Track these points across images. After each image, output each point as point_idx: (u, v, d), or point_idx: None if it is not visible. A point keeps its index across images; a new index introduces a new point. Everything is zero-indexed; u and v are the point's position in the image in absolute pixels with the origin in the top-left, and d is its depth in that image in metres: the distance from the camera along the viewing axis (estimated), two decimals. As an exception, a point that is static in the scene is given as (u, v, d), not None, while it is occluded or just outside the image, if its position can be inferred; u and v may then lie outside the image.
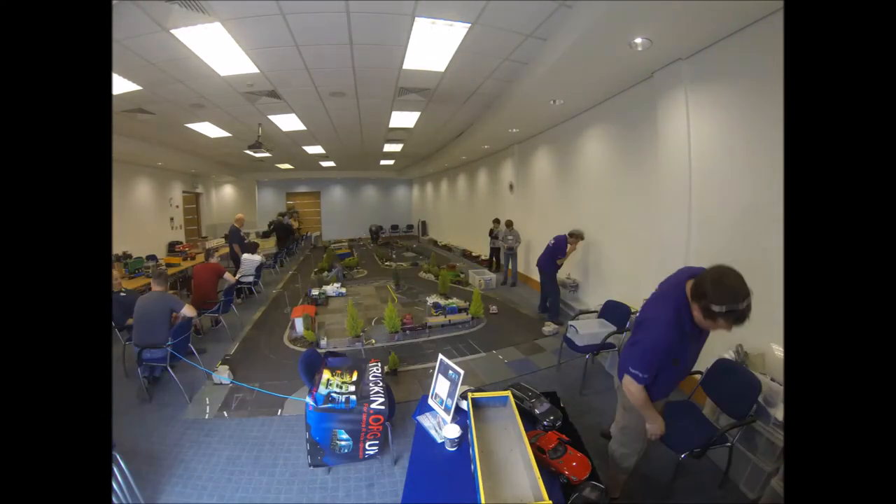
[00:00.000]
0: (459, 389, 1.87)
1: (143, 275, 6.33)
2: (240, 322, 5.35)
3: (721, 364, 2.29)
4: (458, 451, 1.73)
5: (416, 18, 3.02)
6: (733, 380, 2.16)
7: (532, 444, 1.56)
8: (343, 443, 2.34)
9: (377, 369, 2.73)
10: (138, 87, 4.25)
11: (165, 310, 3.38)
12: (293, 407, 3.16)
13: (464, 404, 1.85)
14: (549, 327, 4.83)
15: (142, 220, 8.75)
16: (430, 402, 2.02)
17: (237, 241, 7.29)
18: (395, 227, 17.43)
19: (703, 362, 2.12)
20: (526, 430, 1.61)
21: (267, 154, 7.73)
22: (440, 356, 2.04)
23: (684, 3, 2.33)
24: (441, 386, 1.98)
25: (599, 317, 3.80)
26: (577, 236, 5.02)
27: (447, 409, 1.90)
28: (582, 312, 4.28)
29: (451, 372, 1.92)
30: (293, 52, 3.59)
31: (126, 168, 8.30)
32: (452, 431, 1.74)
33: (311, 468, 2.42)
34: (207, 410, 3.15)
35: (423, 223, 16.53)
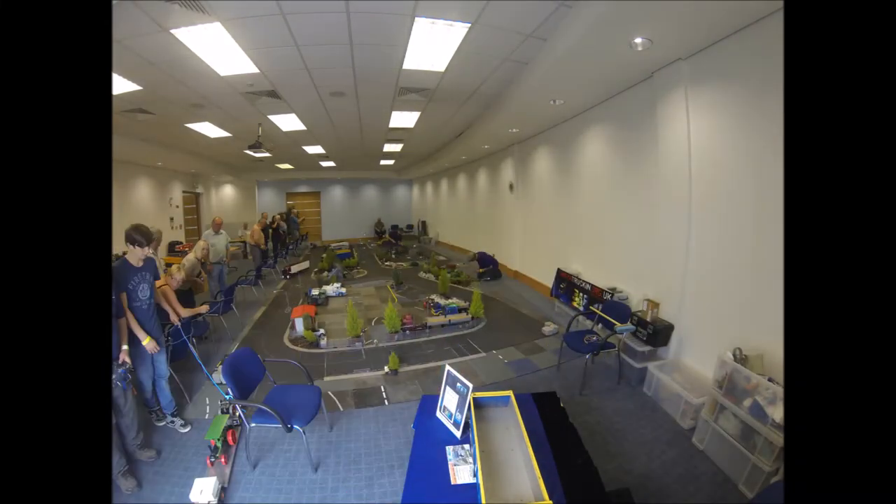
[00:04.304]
0: (468, 402, 1.79)
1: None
2: (240, 322, 5.35)
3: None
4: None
5: (416, 18, 3.02)
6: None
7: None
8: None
9: None
10: (138, 87, 4.25)
11: None
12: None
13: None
14: (549, 327, 4.83)
15: (142, 220, 8.66)
16: (439, 415, 1.96)
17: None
18: (395, 227, 17.43)
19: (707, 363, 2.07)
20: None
21: (267, 154, 7.72)
22: (447, 367, 1.97)
23: (684, 2, 2.33)
24: (449, 398, 1.90)
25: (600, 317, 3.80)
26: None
27: (456, 424, 1.80)
28: (580, 314, 4.29)
29: (458, 385, 1.85)
30: (293, 52, 3.58)
31: (126, 168, 8.29)
32: None
33: (312, 470, 2.42)
34: (207, 410, 3.15)
35: (424, 223, 16.53)
